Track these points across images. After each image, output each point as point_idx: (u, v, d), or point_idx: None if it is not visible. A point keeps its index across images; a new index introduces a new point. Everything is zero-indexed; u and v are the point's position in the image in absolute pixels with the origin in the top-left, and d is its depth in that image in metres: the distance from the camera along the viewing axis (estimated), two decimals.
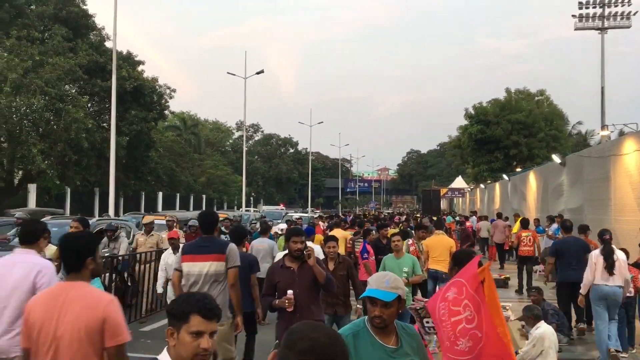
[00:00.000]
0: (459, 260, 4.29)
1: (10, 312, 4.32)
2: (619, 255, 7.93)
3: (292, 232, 5.57)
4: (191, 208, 44.96)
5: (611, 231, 8.63)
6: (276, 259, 7.54)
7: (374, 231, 12.40)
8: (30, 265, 4.37)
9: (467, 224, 22.93)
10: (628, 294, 8.14)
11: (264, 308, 5.22)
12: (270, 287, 5.46)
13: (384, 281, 3.12)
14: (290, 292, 5.22)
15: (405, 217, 32.00)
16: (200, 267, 5.46)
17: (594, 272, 7.88)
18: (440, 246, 10.32)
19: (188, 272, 5.50)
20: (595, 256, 7.95)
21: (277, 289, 5.38)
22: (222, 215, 21.43)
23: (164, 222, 13.22)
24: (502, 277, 14.66)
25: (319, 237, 12.62)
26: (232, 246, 5.69)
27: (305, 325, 1.84)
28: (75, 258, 3.37)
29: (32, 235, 4.60)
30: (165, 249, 9.91)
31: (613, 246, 8.01)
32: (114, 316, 3.25)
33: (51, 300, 3.29)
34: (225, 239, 13.38)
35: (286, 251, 5.71)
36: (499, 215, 20.90)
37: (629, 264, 8.26)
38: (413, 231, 12.69)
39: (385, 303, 3.03)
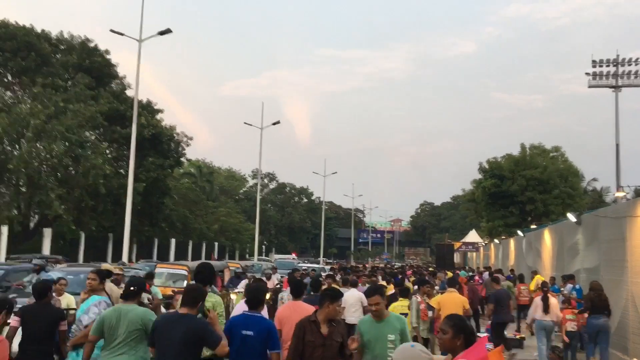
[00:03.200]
0: (460, 329, 3.94)
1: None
2: (552, 300, 11.56)
3: None
4: (203, 256, 44.83)
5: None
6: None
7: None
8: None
9: (477, 278, 22.64)
10: (571, 329, 11.23)
11: None
12: None
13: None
14: None
15: (416, 269, 30.46)
16: None
17: (535, 311, 11.60)
18: (452, 304, 10.21)
19: None
20: (538, 300, 11.59)
21: None
22: (232, 265, 21.29)
23: (182, 271, 13.32)
24: (518, 336, 14.44)
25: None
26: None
27: None
28: (300, 288, 7.33)
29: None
30: None
31: (548, 295, 11.73)
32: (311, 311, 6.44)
33: (289, 307, 7.04)
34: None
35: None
36: (492, 274, 23.02)
37: None
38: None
39: None
